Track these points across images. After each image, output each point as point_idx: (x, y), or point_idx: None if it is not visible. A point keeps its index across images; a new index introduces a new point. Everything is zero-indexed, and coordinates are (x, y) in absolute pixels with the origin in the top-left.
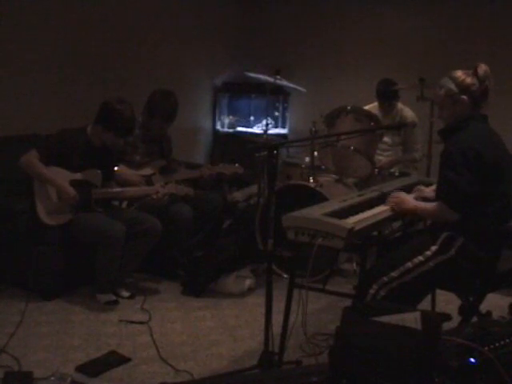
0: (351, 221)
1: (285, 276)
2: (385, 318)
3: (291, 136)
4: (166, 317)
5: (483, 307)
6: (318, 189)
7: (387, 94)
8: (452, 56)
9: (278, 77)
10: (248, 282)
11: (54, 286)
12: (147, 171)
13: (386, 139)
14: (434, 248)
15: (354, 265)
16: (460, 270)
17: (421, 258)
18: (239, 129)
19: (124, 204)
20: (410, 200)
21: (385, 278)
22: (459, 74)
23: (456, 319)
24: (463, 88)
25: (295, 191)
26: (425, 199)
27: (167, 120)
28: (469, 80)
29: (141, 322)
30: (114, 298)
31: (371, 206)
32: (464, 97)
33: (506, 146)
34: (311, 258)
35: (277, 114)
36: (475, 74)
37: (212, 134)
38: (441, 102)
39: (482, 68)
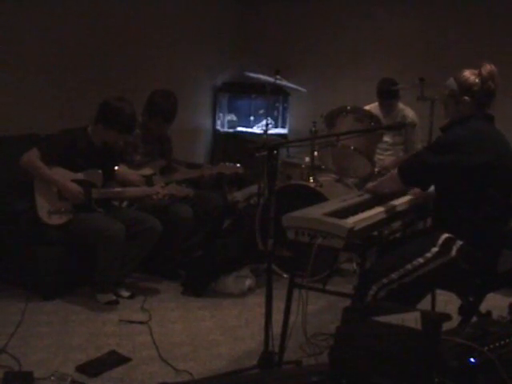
0: (351, 221)
1: (285, 276)
2: (385, 318)
3: (291, 136)
4: (166, 317)
5: (483, 307)
6: (318, 189)
7: (388, 93)
8: (452, 56)
9: (278, 77)
10: (248, 282)
11: (54, 285)
12: (147, 171)
13: (386, 139)
14: (434, 250)
15: (354, 265)
16: (460, 272)
17: (421, 260)
18: (239, 129)
19: (124, 204)
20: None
21: (384, 280)
22: (464, 74)
23: (456, 319)
24: (465, 88)
25: (295, 191)
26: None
27: (167, 120)
28: (471, 80)
29: (141, 322)
30: (114, 297)
31: (371, 205)
32: (466, 97)
33: (510, 147)
34: (311, 258)
35: (277, 113)
36: (479, 74)
37: (212, 134)
38: (445, 102)
39: (487, 68)
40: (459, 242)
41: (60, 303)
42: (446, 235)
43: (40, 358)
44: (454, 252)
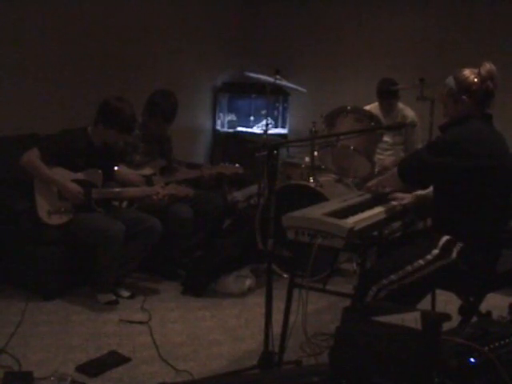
0: (351, 221)
1: (285, 276)
2: (385, 318)
3: (291, 136)
4: (166, 317)
5: (483, 307)
6: (318, 189)
7: (388, 93)
8: (452, 56)
9: (278, 77)
10: (248, 282)
11: (54, 285)
12: (147, 171)
13: (386, 139)
14: (434, 252)
15: (354, 265)
16: (460, 273)
17: (421, 261)
18: (239, 129)
19: (124, 204)
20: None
21: (384, 281)
22: (463, 73)
23: (456, 319)
24: (463, 88)
25: (295, 191)
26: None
27: (167, 120)
28: (470, 80)
29: (141, 322)
30: (114, 297)
31: (371, 205)
32: (464, 97)
33: (508, 148)
34: (311, 258)
35: (277, 113)
36: (479, 73)
37: (212, 134)
38: (444, 101)
39: (486, 67)
40: (459, 245)
41: (60, 303)
42: (446, 237)
43: (40, 358)
44: (454, 254)
